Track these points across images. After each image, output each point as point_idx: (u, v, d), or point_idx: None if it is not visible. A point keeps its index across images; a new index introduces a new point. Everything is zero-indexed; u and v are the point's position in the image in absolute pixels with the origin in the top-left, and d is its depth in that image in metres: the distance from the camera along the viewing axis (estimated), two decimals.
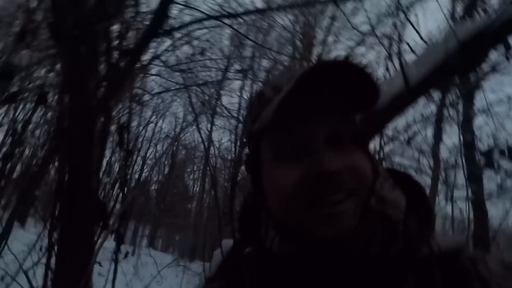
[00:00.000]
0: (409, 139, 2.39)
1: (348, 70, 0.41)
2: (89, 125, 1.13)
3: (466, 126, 4.71)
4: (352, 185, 0.41)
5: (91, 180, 1.14)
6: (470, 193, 4.34)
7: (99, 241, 1.42)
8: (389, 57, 2.02)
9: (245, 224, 0.51)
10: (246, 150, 0.52)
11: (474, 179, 4.88)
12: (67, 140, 1.20)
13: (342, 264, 0.39)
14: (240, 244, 0.50)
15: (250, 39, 3.41)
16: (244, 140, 0.53)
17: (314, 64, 0.43)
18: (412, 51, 1.92)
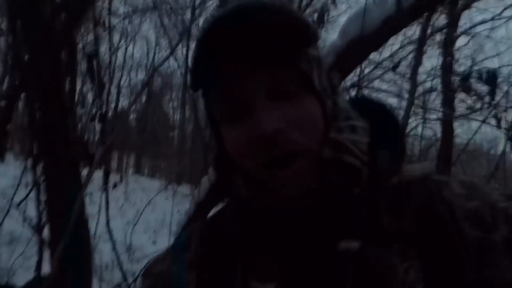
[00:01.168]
0: (394, 66, 2.34)
1: (267, 12, 0.36)
2: (53, 58, 1.01)
3: (447, 49, 4.66)
4: (301, 139, 0.38)
5: (66, 118, 1.08)
6: (442, 115, 4.56)
7: (86, 176, 1.43)
8: None
9: (219, 170, 0.49)
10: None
11: (448, 101, 5.08)
12: (31, 76, 1.08)
13: (306, 214, 0.39)
14: (216, 188, 0.49)
15: None
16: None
17: (218, 14, 0.37)
18: None
